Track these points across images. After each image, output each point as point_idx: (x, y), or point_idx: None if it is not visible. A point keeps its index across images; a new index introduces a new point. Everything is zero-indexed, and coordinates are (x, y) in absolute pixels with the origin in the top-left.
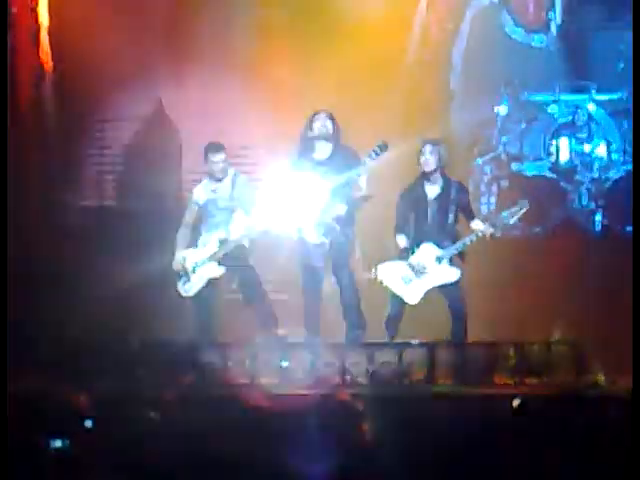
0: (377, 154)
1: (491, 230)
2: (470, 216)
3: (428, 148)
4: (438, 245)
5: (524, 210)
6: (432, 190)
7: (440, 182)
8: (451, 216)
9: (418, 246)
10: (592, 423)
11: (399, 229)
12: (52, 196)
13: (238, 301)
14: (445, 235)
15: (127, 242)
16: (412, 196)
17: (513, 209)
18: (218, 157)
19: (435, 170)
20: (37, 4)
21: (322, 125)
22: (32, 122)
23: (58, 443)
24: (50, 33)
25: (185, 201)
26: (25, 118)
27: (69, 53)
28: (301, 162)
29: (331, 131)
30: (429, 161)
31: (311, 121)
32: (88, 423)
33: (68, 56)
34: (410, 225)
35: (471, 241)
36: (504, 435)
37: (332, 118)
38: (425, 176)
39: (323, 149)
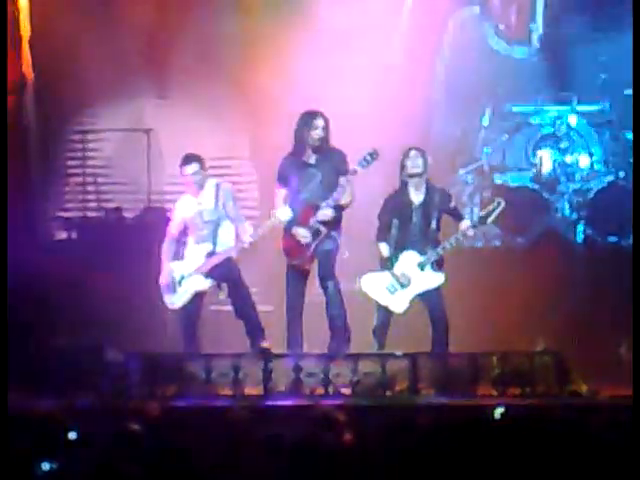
0: (368, 162)
1: (470, 231)
2: (458, 218)
3: (413, 152)
4: (420, 252)
5: (501, 208)
6: (417, 197)
7: (424, 189)
8: (434, 223)
9: (400, 253)
10: (575, 433)
11: (381, 237)
12: (33, 207)
13: (223, 313)
14: (428, 242)
15: (110, 253)
16: (397, 202)
17: (490, 207)
18: (190, 169)
19: (421, 175)
20: (18, 14)
21: (318, 134)
22: (13, 132)
23: (45, 462)
24: (31, 44)
25: (168, 212)
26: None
27: (50, 64)
28: (292, 162)
29: (325, 136)
30: (417, 163)
31: (308, 123)
32: (72, 435)
33: (49, 67)
34: (392, 232)
35: (451, 245)
36: (487, 445)
37: (327, 120)
38: (411, 182)
39: (313, 152)
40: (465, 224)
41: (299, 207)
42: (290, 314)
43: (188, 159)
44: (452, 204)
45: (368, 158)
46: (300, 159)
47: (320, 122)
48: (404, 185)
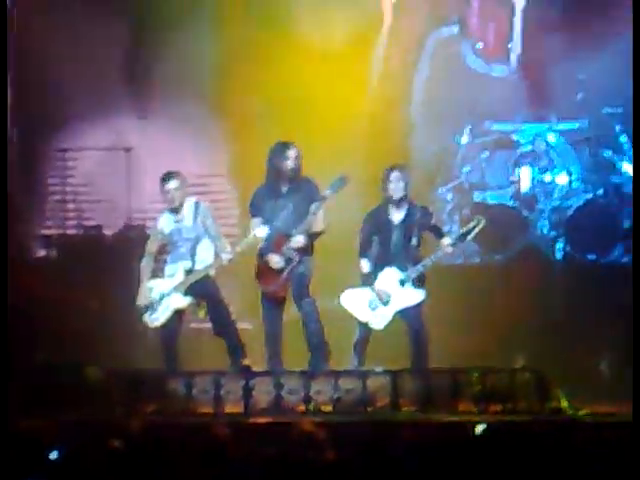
0: (338, 187)
1: (450, 249)
2: (439, 234)
3: (396, 174)
4: (401, 268)
5: (482, 225)
6: (397, 216)
7: (405, 208)
8: (414, 240)
9: (381, 270)
10: (557, 449)
11: (362, 253)
12: (13, 224)
13: (203, 331)
14: (408, 259)
15: (90, 271)
16: (377, 220)
17: (470, 225)
18: (170, 185)
19: (403, 197)
20: None
21: (291, 165)
22: None
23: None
24: (12, 60)
25: (148, 230)
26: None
27: (30, 81)
28: (264, 192)
29: (297, 167)
30: (398, 187)
31: (281, 154)
32: (53, 454)
33: (29, 84)
34: (373, 248)
35: (432, 261)
36: (468, 462)
37: (298, 151)
38: (391, 202)
39: (285, 182)
40: (446, 241)
41: (272, 236)
42: (268, 341)
43: (169, 175)
44: (432, 222)
45: (338, 183)
46: (272, 189)
47: (292, 153)
48: (385, 204)
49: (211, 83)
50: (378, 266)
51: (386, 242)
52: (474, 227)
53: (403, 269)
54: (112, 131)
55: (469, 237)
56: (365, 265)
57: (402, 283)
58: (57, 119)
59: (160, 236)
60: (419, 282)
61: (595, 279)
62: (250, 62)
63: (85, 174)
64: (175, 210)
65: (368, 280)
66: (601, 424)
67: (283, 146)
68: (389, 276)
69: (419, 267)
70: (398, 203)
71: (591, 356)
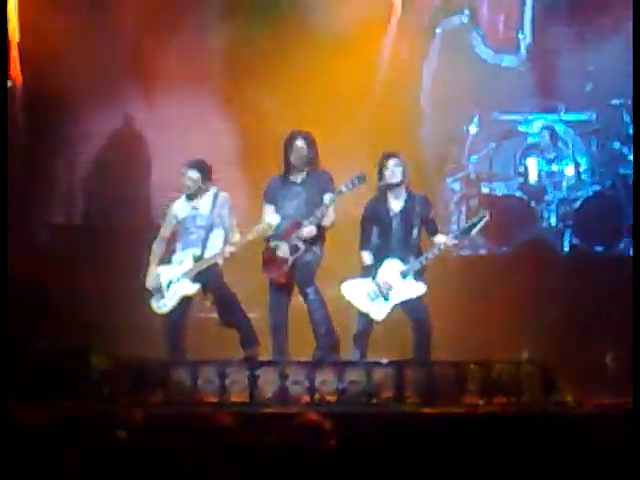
0: (354, 185)
1: (454, 242)
2: (433, 230)
3: (392, 161)
4: (402, 260)
5: (485, 220)
6: (396, 204)
7: (404, 196)
8: (415, 231)
9: (382, 262)
10: (561, 442)
11: (364, 245)
12: (19, 212)
13: (210, 319)
14: (409, 250)
15: (97, 259)
16: (376, 210)
17: (474, 219)
18: (192, 174)
19: (400, 183)
20: (8, 21)
21: (299, 155)
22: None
23: None
24: (20, 50)
25: (154, 217)
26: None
27: (39, 70)
28: (279, 180)
29: (307, 157)
30: (396, 173)
31: (289, 146)
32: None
33: (38, 72)
34: (373, 240)
35: (434, 254)
36: (473, 453)
37: (309, 141)
38: (390, 190)
39: (299, 172)
40: (439, 239)
41: (283, 223)
42: (274, 329)
43: (191, 165)
44: (431, 214)
45: (355, 181)
46: (287, 178)
47: (299, 143)
48: (383, 193)
49: (219, 72)
50: (379, 258)
51: (386, 232)
52: (478, 221)
53: (405, 261)
54: (119, 117)
55: (473, 232)
56: (367, 258)
57: (404, 275)
58: (65, 105)
59: (174, 221)
60: (420, 275)
61: (602, 271)
62: (259, 51)
63: (91, 161)
64: (192, 197)
65: (369, 272)
66: (606, 417)
67: (291, 137)
68: (391, 268)
69: (421, 259)
70: (396, 190)
71: (597, 349)
